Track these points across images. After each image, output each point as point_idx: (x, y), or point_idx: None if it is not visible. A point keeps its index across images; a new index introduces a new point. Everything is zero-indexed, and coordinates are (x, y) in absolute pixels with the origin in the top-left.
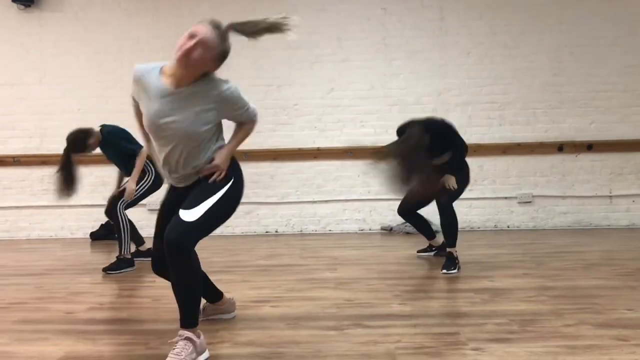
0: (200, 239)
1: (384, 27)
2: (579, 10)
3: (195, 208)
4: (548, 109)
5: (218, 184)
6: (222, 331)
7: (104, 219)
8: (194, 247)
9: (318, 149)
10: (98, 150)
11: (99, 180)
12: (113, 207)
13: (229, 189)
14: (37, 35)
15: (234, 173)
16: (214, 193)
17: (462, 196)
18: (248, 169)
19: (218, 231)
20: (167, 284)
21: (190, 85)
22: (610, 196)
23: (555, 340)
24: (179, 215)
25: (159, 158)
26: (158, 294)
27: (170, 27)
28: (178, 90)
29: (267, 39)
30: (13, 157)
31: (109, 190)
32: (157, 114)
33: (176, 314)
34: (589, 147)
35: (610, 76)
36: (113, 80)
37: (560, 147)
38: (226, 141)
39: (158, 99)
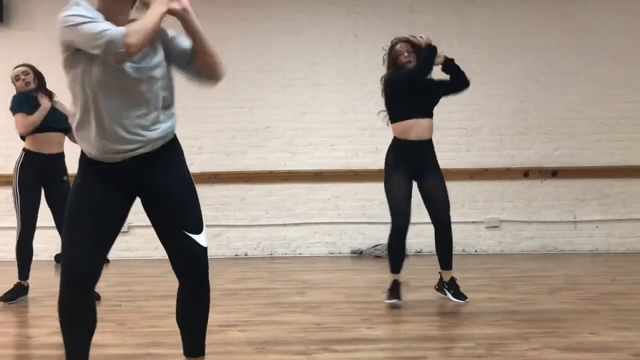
0: None
1: (356, 52)
2: (545, 39)
3: (204, 227)
4: (515, 135)
5: (187, 176)
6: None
7: None
8: None
9: (289, 172)
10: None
11: None
12: None
13: (189, 176)
14: (5, 54)
15: (180, 152)
16: (194, 194)
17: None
18: (218, 191)
19: None
20: (134, 308)
21: None
22: (575, 222)
23: None
24: (195, 241)
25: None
26: (123, 317)
27: None
28: None
29: (240, 61)
30: None
31: None
32: None
33: (142, 338)
34: (554, 173)
35: (574, 104)
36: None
37: (526, 173)
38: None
39: None
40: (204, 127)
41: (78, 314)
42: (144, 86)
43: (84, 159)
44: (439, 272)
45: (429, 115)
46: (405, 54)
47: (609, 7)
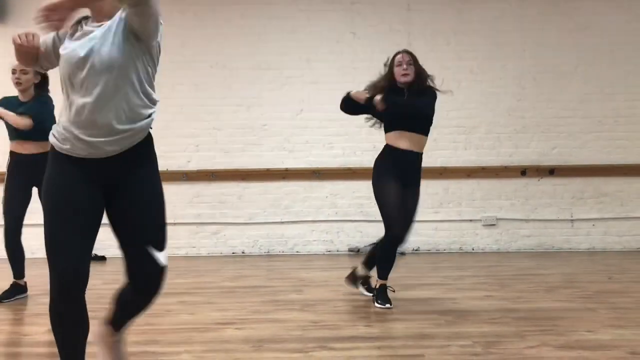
0: None
1: (353, 50)
2: (542, 38)
3: (166, 244)
4: (512, 134)
5: (160, 188)
6: (184, 354)
7: None
8: None
9: (286, 170)
10: None
11: None
12: None
13: (160, 185)
14: (3, 51)
15: (153, 156)
16: (164, 208)
17: (427, 218)
18: (215, 189)
19: (184, 252)
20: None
21: None
22: (572, 220)
23: None
24: (154, 258)
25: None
26: None
27: None
28: None
29: (237, 59)
30: None
31: None
32: None
33: (138, 336)
34: (551, 171)
35: (571, 103)
36: None
37: (523, 171)
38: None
39: None
40: (201, 125)
41: (73, 318)
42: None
43: (53, 151)
44: (353, 268)
45: (423, 131)
46: (404, 65)
47: (606, 6)
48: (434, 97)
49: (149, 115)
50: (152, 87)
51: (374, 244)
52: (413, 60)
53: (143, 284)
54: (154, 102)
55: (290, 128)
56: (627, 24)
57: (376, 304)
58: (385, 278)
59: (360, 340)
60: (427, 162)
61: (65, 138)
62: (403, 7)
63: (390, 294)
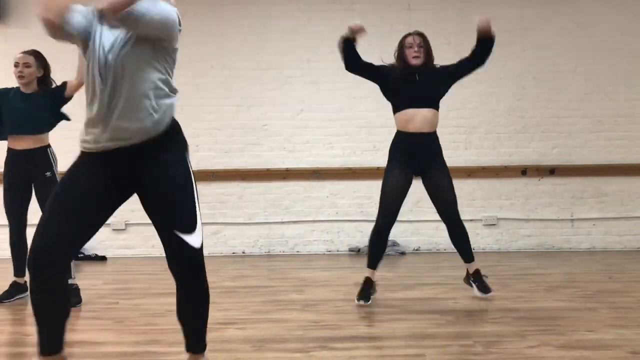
0: None
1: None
2: (542, 37)
3: (197, 227)
4: (512, 134)
5: (186, 173)
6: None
7: None
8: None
9: (287, 170)
10: (60, 169)
11: None
12: None
13: (191, 172)
14: (3, 51)
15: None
16: (192, 191)
17: (428, 218)
18: (215, 189)
19: None
20: (131, 306)
21: None
22: (572, 219)
23: None
24: (184, 241)
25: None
26: (120, 315)
27: None
28: None
29: (237, 58)
30: None
31: None
32: None
33: (140, 336)
34: (552, 171)
35: (572, 102)
36: (81, 98)
37: (523, 171)
38: None
39: None
40: (201, 125)
41: (44, 296)
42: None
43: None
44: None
45: (431, 105)
46: (416, 48)
47: (606, 5)
48: (445, 68)
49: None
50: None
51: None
52: (424, 42)
53: (180, 269)
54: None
55: (291, 128)
56: (627, 23)
57: (356, 300)
58: (374, 267)
59: (361, 340)
60: None
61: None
62: (404, 7)
63: (392, 293)
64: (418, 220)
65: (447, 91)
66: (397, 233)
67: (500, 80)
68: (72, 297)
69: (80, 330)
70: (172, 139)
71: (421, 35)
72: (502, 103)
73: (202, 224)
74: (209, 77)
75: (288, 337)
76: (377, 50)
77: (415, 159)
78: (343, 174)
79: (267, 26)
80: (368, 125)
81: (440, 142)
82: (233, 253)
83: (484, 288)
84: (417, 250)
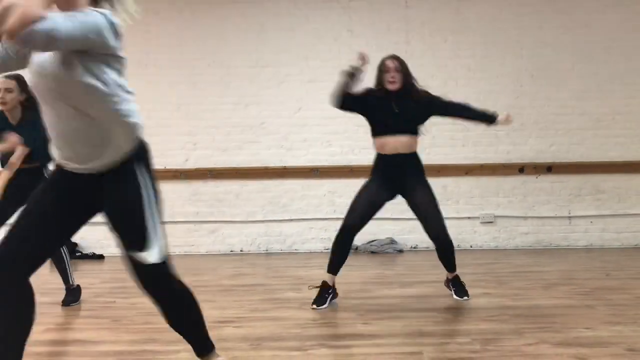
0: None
1: (350, 48)
2: (539, 36)
3: (151, 243)
4: (510, 131)
5: (134, 190)
6: (183, 352)
7: None
8: (172, 271)
9: (284, 168)
10: None
11: None
12: None
13: (141, 185)
14: None
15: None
16: (141, 208)
17: None
18: (213, 187)
19: (182, 250)
20: (128, 304)
21: None
22: (569, 217)
23: (516, 359)
24: (137, 258)
25: None
26: (118, 314)
27: (137, 43)
28: None
29: (235, 56)
30: None
31: None
32: None
33: (137, 335)
34: (549, 168)
35: (569, 100)
36: None
37: (521, 169)
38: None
39: None
40: (198, 123)
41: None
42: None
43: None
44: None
45: (408, 132)
46: (392, 73)
47: (603, 4)
48: (429, 101)
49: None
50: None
51: (372, 241)
52: (401, 66)
53: (140, 284)
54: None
55: (288, 126)
56: (625, 21)
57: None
58: (334, 273)
59: (359, 338)
60: (425, 159)
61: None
62: (400, 4)
63: (389, 291)
64: (415, 218)
65: (426, 120)
66: (395, 231)
67: (498, 78)
68: (69, 296)
69: (77, 329)
70: (131, 157)
71: (397, 59)
72: (499, 101)
73: (162, 234)
74: (207, 75)
75: (286, 335)
76: (374, 48)
77: (393, 180)
78: (341, 172)
79: (265, 24)
80: (366, 124)
81: (439, 139)
82: (231, 251)
83: (462, 292)
84: (414, 248)
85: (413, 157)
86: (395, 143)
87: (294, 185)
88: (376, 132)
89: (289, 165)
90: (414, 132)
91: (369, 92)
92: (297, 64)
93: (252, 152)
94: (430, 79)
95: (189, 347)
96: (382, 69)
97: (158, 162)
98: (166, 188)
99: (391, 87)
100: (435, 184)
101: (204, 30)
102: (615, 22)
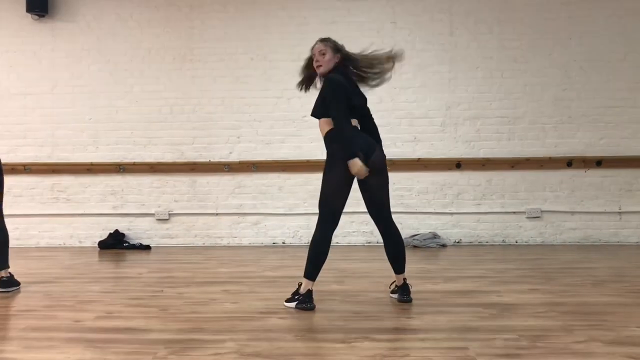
0: None
1: (394, 40)
2: (589, 25)
3: None
4: (558, 124)
5: None
6: (229, 342)
7: (112, 228)
8: None
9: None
10: (105, 159)
11: (108, 189)
12: None
13: None
14: (50, 45)
15: None
16: None
17: (469, 210)
18: (256, 180)
19: (225, 242)
20: (176, 294)
21: None
22: (620, 212)
23: (565, 357)
24: None
25: None
26: (166, 303)
27: (181, 38)
28: None
29: (278, 50)
30: (24, 165)
31: (119, 199)
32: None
33: (184, 324)
34: (598, 162)
35: (620, 91)
36: (123, 90)
37: (569, 163)
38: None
39: None
40: (242, 117)
41: None
42: None
43: None
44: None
45: (315, 116)
46: (317, 56)
47: None
48: (326, 84)
49: None
50: None
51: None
52: (328, 48)
53: None
54: None
55: None
56: None
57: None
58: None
59: (402, 332)
60: (469, 153)
61: None
62: None
63: (432, 286)
64: (459, 213)
65: (325, 101)
66: (438, 225)
67: (545, 69)
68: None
69: (127, 317)
70: None
71: (323, 41)
72: (547, 93)
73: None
74: (250, 70)
75: (330, 328)
76: (418, 39)
77: None
78: None
79: (307, 18)
80: (408, 116)
81: (484, 133)
82: (273, 243)
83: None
84: (458, 242)
85: (326, 142)
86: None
87: None
88: None
89: None
90: (318, 114)
91: (307, 78)
92: None
93: (294, 145)
94: (475, 71)
95: (236, 336)
96: (311, 52)
97: (203, 155)
98: (210, 181)
99: (318, 71)
100: (480, 177)
101: (247, 24)
102: None
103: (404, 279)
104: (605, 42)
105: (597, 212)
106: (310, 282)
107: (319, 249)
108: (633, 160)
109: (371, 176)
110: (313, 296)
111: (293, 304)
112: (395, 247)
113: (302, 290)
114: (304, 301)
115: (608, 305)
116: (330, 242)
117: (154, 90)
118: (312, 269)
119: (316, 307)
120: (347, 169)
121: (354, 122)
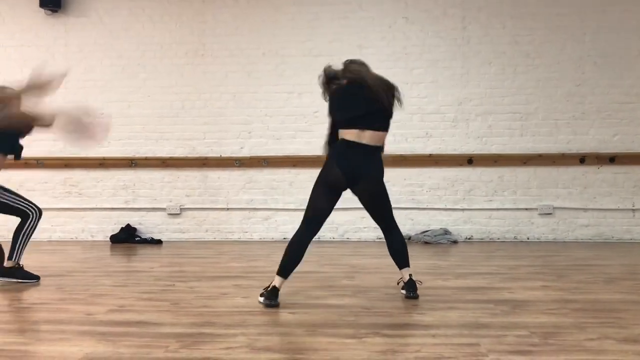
0: None
1: (405, 35)
2: (603, 20)
3: None
4: (570, 120)
5: None
6: (240, 336)
7: (124, 222)
8: None
9: None
10: (117, 154)
11: (120, 183)
12: None
13: None
14: (62, 40)
15: None
16: None
17: (481, 206)
18: (267, 175)
19: (236, 236)
20: (187, 288)
21: None
22: (633, 209)
23: (578, 354)
24: None
25: None
26: (177, 297)
27: (193, 33)
28: None
29: (289, 45)
30: (37, 159)
31: (130, 193)
32: None
33: (195, 318)
34: (612, 159)
35: (634, 87)
36: (136, 85)
37: (582, 159)
38: None
39: None
40: (253, 112)
41: None
42: None
43: None
44: None
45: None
46: None
47: None
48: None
49: None
50: None
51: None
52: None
53: None
54: None
55: None
56: None
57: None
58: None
59: (413, 327)
60: (480, 149)
61: None
62: None
63: (443, 282)
64: (470, 209)
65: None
66: (450, 221)
67: (558, 64)
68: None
69: (138, 311)
70: None
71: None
72: (560, 88)
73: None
74: (261, 65)
75: (340, 323)
76: (430, 35)
77: None
78: (394, 161)
79: (318, 13)
80: (420, 112)
81: (495, 129)
82: (284, 238)
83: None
84: (469, 239)
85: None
86: None
87: None
88: None
89: None
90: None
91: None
92: (351, 53)
93: (305, 140)
94: (488, 66)
95: (247, 330)
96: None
97: (214, 150)
98: (222, 176)
99: None
100: (492, 173)
101: (258, 19)
102: None
103: (410, 275)
104: (619, 38)
105: (610, 209)
106: (280, 279)
107: (293, 252)
108: None
109: (364, 196)
110: (279, 294)
111: (261, 299)
112: (396, 237)
113: (270, 285)
114: (267, 297)
115: (621, 302)
116: (305, 248)
117: (166, 85)
118: (282, 267)
119: (326, 302)
120: (329, 174)
121: (354, 132)
